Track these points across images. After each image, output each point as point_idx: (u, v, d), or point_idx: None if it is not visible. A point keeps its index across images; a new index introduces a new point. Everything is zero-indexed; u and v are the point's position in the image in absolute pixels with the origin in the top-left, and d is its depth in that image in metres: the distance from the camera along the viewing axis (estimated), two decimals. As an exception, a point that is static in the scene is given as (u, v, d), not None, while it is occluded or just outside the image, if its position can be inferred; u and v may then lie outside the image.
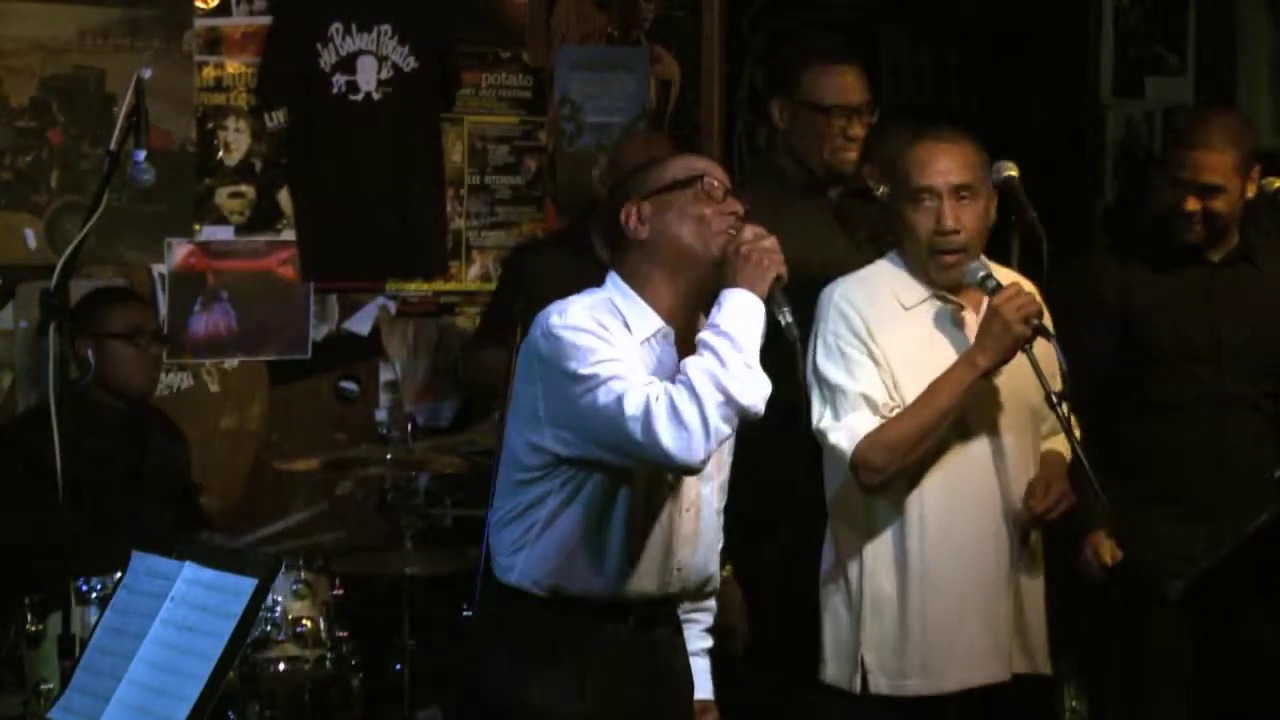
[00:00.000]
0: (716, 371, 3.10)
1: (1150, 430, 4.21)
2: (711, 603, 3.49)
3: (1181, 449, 4.20)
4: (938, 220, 3.67)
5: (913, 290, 3.75)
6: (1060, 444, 3.82)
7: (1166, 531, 4.15)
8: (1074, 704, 4.63)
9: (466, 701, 3.37)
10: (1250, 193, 4.20)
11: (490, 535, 3.40)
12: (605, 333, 3.18)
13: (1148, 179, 4.23)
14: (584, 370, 3.13)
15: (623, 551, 3.28)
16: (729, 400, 3.10)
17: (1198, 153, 4.10)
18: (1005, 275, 3.81)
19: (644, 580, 3.31)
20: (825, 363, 3.72)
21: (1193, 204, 4.12)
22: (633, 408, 3.07)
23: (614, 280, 3.33)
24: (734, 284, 3.22)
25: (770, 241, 3.26)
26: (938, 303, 3.75)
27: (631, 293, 3.29)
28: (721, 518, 3.39)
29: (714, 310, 3.21)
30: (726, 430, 3.11)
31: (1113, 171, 6.68)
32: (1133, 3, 6.63)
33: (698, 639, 3.49)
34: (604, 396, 3.10)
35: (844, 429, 3.66)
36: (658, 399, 3.08)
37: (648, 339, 3.27)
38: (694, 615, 3.47)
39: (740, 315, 3.17)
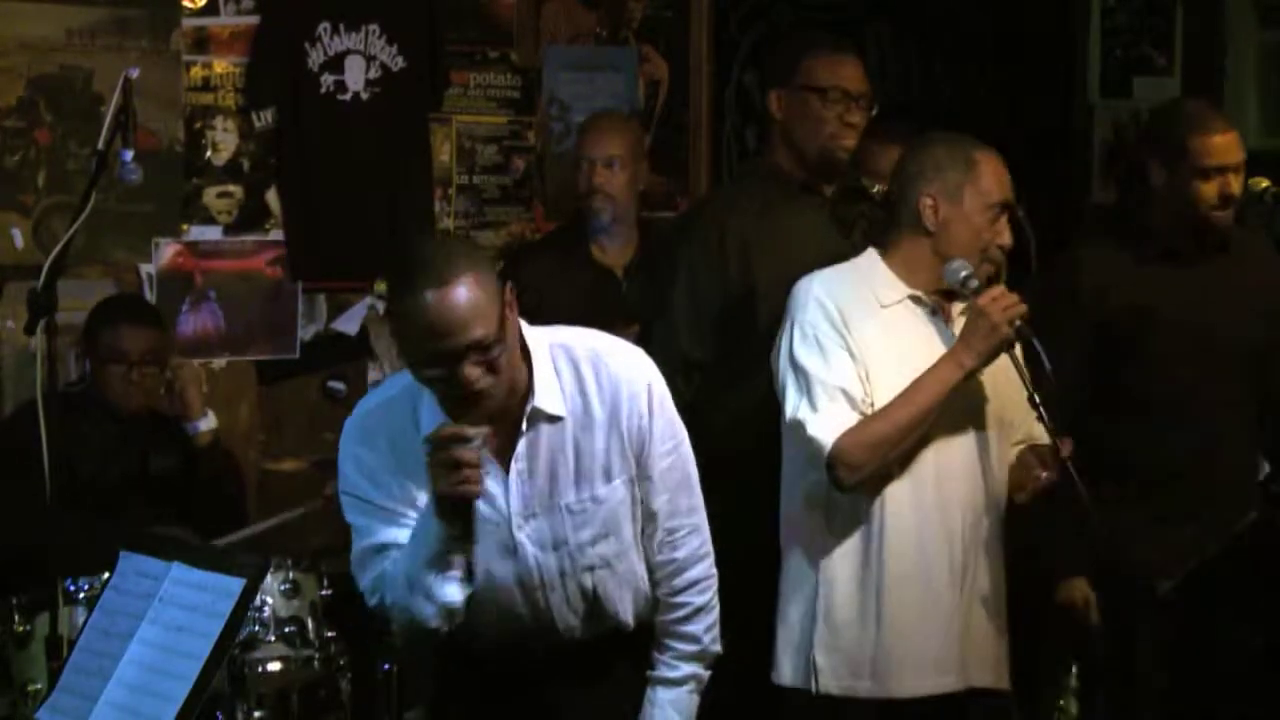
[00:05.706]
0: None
1: (1131, 429, 4.17)
2: (688, 627, 3.31)
3: (1164, 448, 4.16)
4: None
5: (893, 289, 3.70)
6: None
7: (1150, 531, 4.10)
8: (1062, 703, 4.61)
9: None
10: None
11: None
12: (364, 485, 3.40)
13: (1147, 177, 4.18)
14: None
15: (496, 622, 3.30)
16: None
17: (1217, 137, 4.07)
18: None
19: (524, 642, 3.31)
20: (801, 349, 3.63)
21: (1233, 184, 4.07)
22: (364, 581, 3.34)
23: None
24: None
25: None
26: (914, 304, 3.71)
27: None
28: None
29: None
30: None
31: (1104, 170, 6.68)
32: (1120, 3, 6.63)
33: (667, 667, 3.34)
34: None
35: (823, 421, 3.57)
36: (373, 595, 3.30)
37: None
38: (667, 641, 3.33)
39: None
